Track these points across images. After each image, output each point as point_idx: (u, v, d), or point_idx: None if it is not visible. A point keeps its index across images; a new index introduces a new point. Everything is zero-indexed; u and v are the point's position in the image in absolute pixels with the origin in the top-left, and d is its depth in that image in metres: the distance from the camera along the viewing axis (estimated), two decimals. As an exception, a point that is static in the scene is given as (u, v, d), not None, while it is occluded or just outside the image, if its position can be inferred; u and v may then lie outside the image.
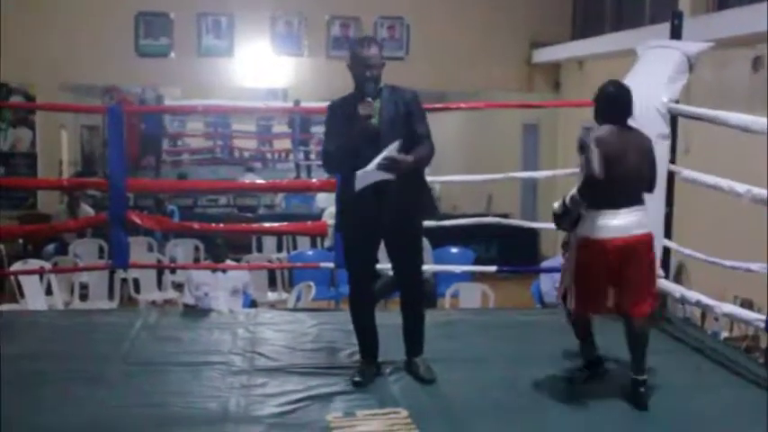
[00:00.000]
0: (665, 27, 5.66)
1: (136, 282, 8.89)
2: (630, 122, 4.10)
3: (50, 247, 9.75)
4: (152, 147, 17.74)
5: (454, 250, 9.05)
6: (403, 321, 4.21)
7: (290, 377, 4.22)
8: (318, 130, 18.64)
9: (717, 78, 8.21)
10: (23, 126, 12.29)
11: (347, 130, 3.93)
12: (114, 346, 4.68)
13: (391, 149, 3.83)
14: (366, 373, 4.11)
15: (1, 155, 12.17)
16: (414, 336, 4.20)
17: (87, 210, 10.36)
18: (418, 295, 4.25)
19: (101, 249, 9.25)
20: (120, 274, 8.37)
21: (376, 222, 3.99)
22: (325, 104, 4.25)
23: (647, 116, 5.03)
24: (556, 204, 4.02)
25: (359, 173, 3.85)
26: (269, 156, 20.49)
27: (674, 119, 5.17)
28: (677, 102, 5.16)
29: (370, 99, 3.91)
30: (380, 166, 3.83)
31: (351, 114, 3.92)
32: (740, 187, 4.41)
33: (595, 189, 3.76)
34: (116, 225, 5.60)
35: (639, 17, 10.31)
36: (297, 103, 14.99)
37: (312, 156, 18.57)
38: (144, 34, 12.30)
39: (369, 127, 3.91)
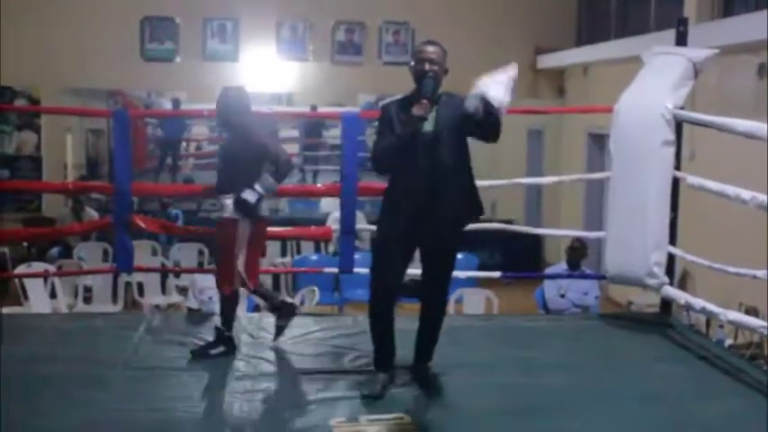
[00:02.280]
0: (671, 33, 5.66)
1: (140, 285, 8.90)
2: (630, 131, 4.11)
3: (55, 251, 9.76)
4: (170, 150, 17.68)
5: (458, 256, 9.02)
6: (422, 327, 4.15)
7: (293, 382, 4.21)
8: (325, 134, 18.61)
9: (722, 85, 8.20)
10: (29, 129, 12.33)
11: (400, 132, 3.84)
12: (117, 350, 4.67)
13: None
14: (379, 385, 3.98)
15: (6, 158, 12.21)
16: (429, 343, 4.16)
17: (92, 213, 10.38)
18: (443, 305, 4.21)
19: (105, 253, 9.26)
20: (124, 277, 8.37)
21: (418, 232, 3.90)
22: (336, 109, 4.26)
23: (653, 122, 5.04)
24: (250, 196, 4.47)
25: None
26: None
27: (679, 125, 5.16)
28: (682, 108, 5.16)
29: (425, 101, 3.79)
30: (469, 105, 3.72)
31: (405, 115, 3.82)
32: (745, 194, 4.39)
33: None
34: (120, 229, 5.59)
35: (644, 23, 10.31)
36: (314, 108, 15.02)
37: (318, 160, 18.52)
38: (149, 38, 12.35)
39: (423, 134, 3.81)
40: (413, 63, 3.93)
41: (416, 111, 3.77)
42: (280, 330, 4.85)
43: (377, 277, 3.98)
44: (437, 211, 3.85)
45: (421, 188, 3.83)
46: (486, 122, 3.76)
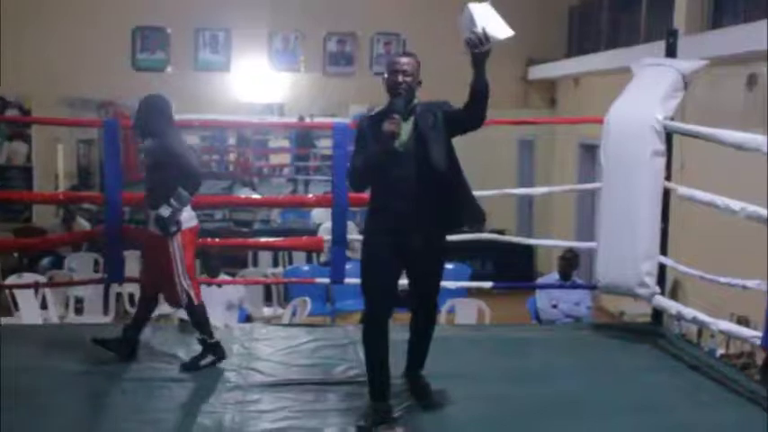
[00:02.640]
0: (661, 45, 5.70)
1: (131, 296, 8.86)
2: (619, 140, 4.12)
3: (45, 261, 9.74)
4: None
5: (450, 266, 9.03)
6: (413, 337, 4.11)
7: (284, 393, 4.20)
8: (321, 144, 18.64)
9: (711, 96, 8.24)
10: (19, 140, 12.31)
11: (372, 148, 3.75)
12: (109, 362, 4.65)
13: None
14: (375, 417, 3.74)
15: (-3, 168, 12.17)
16: (420, 352, 4.14)
17: (83, 223, 10.36)
18: (433, 315, 4.17)
19: (96, 263, 9.24)
20: (115, 288, 8.35)
21: (402, 247, 3.78)
22: (327, 120, 4.24)
23: (643, 133, 5.07)
24: (164, 211, 4.44)
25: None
26: (266, 170, 20.47)
27: (669, 136, 5.18)
28: (672, 119, 5.18)
29: (397, 116, 3.70)
30: (468, 39, 3.61)
31: (378, 131, 3.72)
32: (735, 204, 4.42)
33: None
34: (111, 239, 5.59)
35: (635, 35, 10.36)
36: (302, 118, 15.04)
37: (311, 171, 18.55)
38: (140, 48, 12.34)
39: (394, 150, 3.71)
40: (386, 74, 3.82)
41: (387, 127, 3.69)
42: (192, 365, 4.56)
43: (371, 291, 3.84)
44: (420, 224, 3.77)
45: (401, 203, 3.73)
46: (477, 92, 3.67)
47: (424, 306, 4.10)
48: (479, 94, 3.68)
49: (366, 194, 4.02)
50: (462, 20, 3.66)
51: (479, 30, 3.58)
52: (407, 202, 3.72)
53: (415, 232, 3.77)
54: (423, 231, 3.79)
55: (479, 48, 3.60)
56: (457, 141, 3.85)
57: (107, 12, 12.06)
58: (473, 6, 3.64)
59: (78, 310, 8.42)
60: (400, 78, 3.75)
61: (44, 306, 7.82)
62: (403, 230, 3.76)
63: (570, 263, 7.32)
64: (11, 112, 11.96)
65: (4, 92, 11.69)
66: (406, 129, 3.74)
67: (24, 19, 11.62)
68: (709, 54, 6.30)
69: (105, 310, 8.49)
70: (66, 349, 4.93)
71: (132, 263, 8.36)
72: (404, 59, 3.82)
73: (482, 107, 3.72)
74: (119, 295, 8.68)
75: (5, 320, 7.34)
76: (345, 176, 5.29)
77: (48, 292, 7.86)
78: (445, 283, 7.33)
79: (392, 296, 3.86)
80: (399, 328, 4.10)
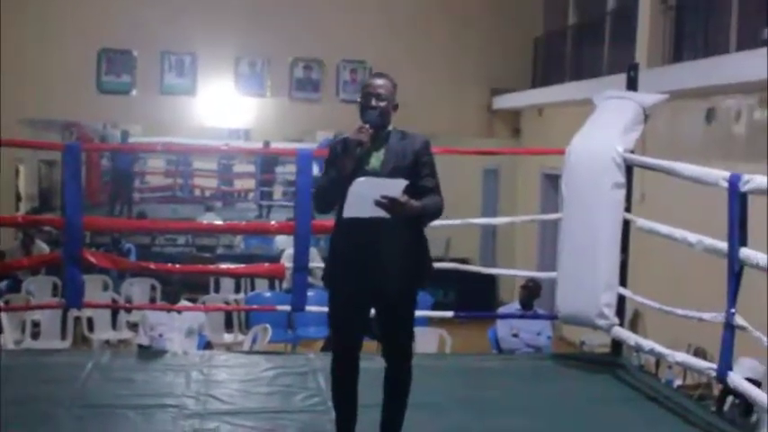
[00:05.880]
0: (622, 78, 5.78)
1: (90, 321, 8.76)
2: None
3: (3, 284, 9.58)
4: (124, 184, 17.54)
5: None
6: (384, 400, 3.64)
7: (242, 421, 4.16)
8: (281, 170, 18.67)
9: (671, 129, 8.37)
10: (-21, 160, 12.12)
11: (341, 167, 3.45)
12: (64, 388, 4.58)
13: (392, 188, 3.31)
14: None
15: (-45, 189, 11.99)
16: (393, 419, 3.63)
17: (42, 246, 10.22)
18: (406, 373, 3.63)
19: (54, 287, 9.11)
20: (73, 312, 8.23)
21: (369, 283, 3.47)
22: (291, 146, 4.11)
23: (603, 165, 5.12)
24: None
25: (359, 180, 3.31)
26: (229, 195, 20.43)
27: (629, 168, 5.25)
28: (633, 152, 5.25)
29: (367, 125, 3.45)
30: (378, 204, 3.29)
31: (348, 152, 3.45)
32: (692, 237, 4.47)
33: None
34: (70, 263, 5.51)
35: (597, 67, 10.52)
36: (267, 144, 15.03)
37: (275, 196, 18.56)
38: (106, 71, 12.27)
39: (367, 171, 3.43)
40: (359, 98, 3.60)
41: (354, 135, 3.44)
42: None
43: (336, 329, 3.66)
44: (382, 263, 3.45)
45: (365, 234, 3.41)
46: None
47: (396, 368, 3.62)
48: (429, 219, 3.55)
49: (330, 221, 3.81)
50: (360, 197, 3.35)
51: (378, 198, 3.29)
52: (371, 235, 3.41)
53: (378, 272, 3.45)
54: (384, 272, 3.46)
55: (396, 209, 3.31)
56: (437, 172, 3.69)
57: (73, 34, 11.99)
58: (357, 185, 3.33)
59: (35, 335, 8.29)
60: (374, 102, 3.52)
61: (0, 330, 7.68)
62: (365, 267, 3.45)
63: (531, 292, 7.35)
64: (-29, 133, 11.80)
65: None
66: (377, 156, 3.50)
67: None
68: (669, 88, 6.39)
69: (63, 335, 8.35)
70: (20, 375, 4.85)
71: (91, 287, 8.28)
72: (378, 81, 3.58)
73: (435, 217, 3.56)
74: (77, 320, 8.56)
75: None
76: (310, 200, 5.15)
77: (4, 316, 7.73)
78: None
79: (360, 332, 3.62)
80: (369, 357, 4.06)
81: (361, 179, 3.33)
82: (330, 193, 3.52)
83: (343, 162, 3.45)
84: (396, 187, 3.32)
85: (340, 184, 3.40)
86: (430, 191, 3.52)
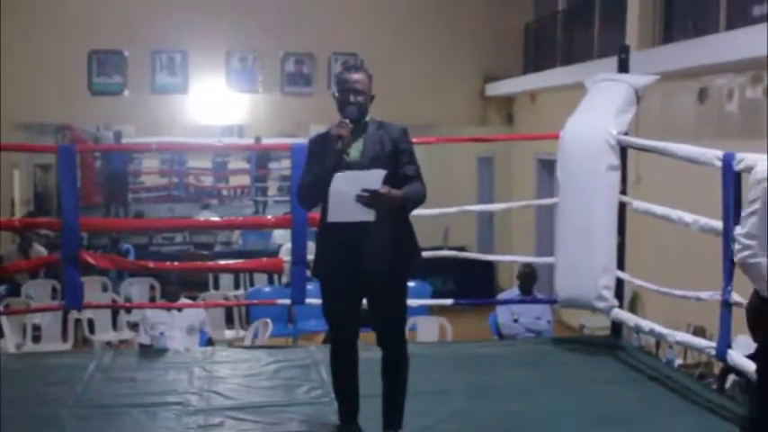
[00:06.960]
0: (613, 61, 5.78)
1: (90, 322, 8.77)
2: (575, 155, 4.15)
3: (2, 289, 9.58)
4: (119, 184, 17.52)
5: (411, 284, 9.04)
6: (383, 388, 3.69)
7: (246, 415, 4.17)
8: (276, 166, 18.68)
9: (664, 110, 8.38)
10: (-26, 166, 12.11)
11: (322, 162, 3.49)
12: (68, 389, 4.59)
13: (372, 179, 3.33)
14: None
15: (-49, 195, 11.97)
16: (393, 405, 3.68)
17: (40, 250, 10.22)
18: (401, 359, 3.68)
19: (54, 290, 9.12)
20: (73, 314, 8.24)
21: (357, 272, 3.50)
22: (285, 141, 4.11)
23: (598, 148, 5.13)
24: None
25: (337, 175, 3.33)
26: (225, 192, 20.43)
27: (623, 150, 5.26)
28: (626, 133, 5.26)
29: (347, 120, 3.49)
30: (360, 199, 3.33)
31: (329, 147, 3.49)
32: (688, 217, 4.49)
33: None
34: (69, 265, 5.51)
35: (589, 51, 10.52)
36: (258, 140, 15.01)
37: (269, 192, 18.56)
38: (97, 72, 12.24)
39: (349, 164, 3.46)
40: (336, 92, 3.62)
41: (334, 130, 3.47)
42: None
43: (330, 319, 3.74)
44: (367, 253, 3.48)
45: (350, 226, 3.43)
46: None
47: (391, 349, 3.67)
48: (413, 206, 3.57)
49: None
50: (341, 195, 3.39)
51: (360, 193, 3.32)
52: (356, 223, 3.42)
53: (365, 255, 3.49)
54: (372, 260, 3.50)
55: (377, 202, 3.35)
56: (417, 159, 3.73)
57: (63, 36, 11.95)
58: (337, 182, 3.36)
59: (36, 338, 8.30)
60: (352, 98, 3.55)
61: (0, 335, 7.69)
62: (352, 253, 3.49)
63: (528, 278, 7.35)
64: (-35, 139, 11.77)
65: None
66: (356, 146, 3.54)
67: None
68: (660, 69, 6.40)
69: (64, 338, 8.37)
70: (23, 378, 4.86)
71: (90, 288, 8.30)
72: (354, 76, 3.59)
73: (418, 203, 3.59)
74: (77, 322, 8.57)
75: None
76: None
77: (4, 320, 7.74)
78: (407, 301, 7.45)
79: (355, 320, 3.68)
80: (369, 347, 4.08)
81: (340, 174, 3.37)
82: (314, 189, 3.55)
83: (325, 158, 3.49)
84: (375, 178, 3.34)
85: (323, 179, 3.43)
86: (411, 178, 3.55)
